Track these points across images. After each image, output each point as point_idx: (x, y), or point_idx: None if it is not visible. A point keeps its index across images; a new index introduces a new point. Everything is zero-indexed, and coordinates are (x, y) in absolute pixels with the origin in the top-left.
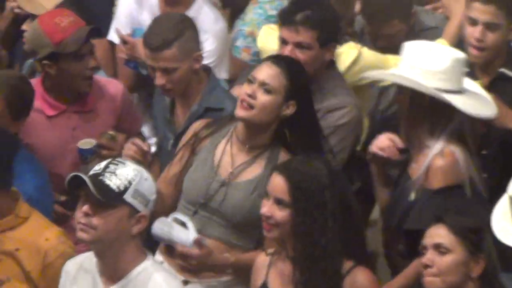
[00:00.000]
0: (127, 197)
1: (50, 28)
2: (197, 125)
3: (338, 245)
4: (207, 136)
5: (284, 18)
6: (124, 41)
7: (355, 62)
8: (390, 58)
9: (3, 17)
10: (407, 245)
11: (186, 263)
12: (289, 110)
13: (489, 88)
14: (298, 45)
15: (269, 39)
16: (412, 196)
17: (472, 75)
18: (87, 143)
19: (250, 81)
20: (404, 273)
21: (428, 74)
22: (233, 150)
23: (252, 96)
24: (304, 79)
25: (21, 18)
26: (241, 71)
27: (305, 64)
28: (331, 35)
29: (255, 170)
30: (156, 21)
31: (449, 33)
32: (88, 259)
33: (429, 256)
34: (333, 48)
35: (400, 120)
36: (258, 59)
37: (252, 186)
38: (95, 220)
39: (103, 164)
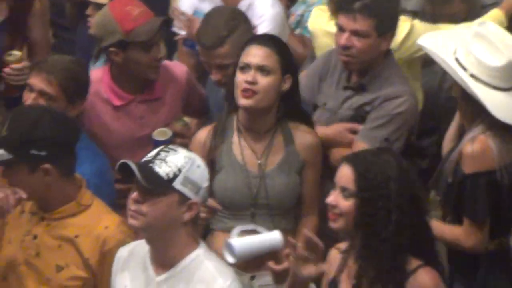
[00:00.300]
0: (176, 184)
1: (122, 16)
2: (200, 136)
3: (402, 240)
4: (217, 142)
5: (342, 5)
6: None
7: (408, 35)
8: (442, 27)
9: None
10: None
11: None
12: (287, 84)
13: None
14: (355, 33)
15: (319, 20)
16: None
17: None
18: (162, 132)
19: (244, 68)
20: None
21: (481, 66)
22: (248, 142)
23: (253, 82)
24: (288, 50)
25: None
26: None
27: (362, 52)
28: (389, 24)
29: (279, 151)
30: (207, 18)
31: (507, 4)
32: (140, 246)
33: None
34: (391, 38)
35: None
36: None
37: (283, 168)
38: (144, 207)
39: (155, 151)
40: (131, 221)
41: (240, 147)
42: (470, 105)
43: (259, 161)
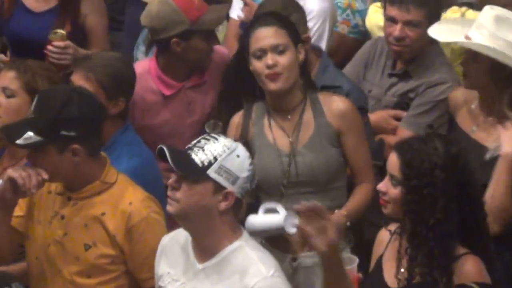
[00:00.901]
0: (211, 172)
1: (186, 5)
2: (234, 120)
3: (450, 227)
4: (247, 125)
5: None
6: (245, 3)
7: None
8: None
9: None
10: None
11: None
12: (302, 54)
13: None
14: (409, 23)
15: (376, 16)
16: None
17: None
18: (213, 126)
19: (260, 56)
20: None
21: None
22: (278, 122)
23: (274, 65)
24: (288, 18)
25: None
26: (340, 44)
27: (415, 42)
28: (438, 11)
29: (309, 126)
30: (261, 7)
31: None
32: (182, 233)
33: None
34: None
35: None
36: (358, 31)
37: (315, 143)
38: (178, 194)
39: (198, 139)
40: (168, 207)
41: (270, 128)
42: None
43: (290, 139)
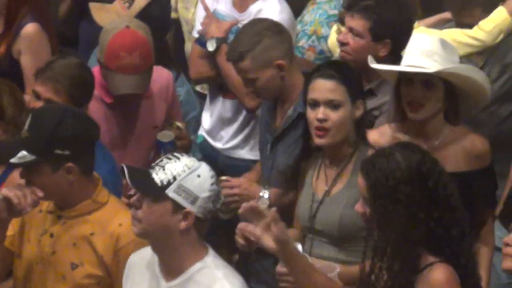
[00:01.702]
0: (169, 192)
1: (111, 52)
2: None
3: (414, 238)
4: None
5: (349, 4)
6: (207, 15)
7: None
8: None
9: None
10: None
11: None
12: (360, 110)
13: None
14: (351, 30)
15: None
16: None
17: None
18: (165, 135)
19: (313, 105)
20: None
21: None
22: (326, 169)
23: (324, 119)
24: (353, 73)
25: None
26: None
27: (354, 51)
28: (386, 31)
29: (343, 180)
30: (238, 33)
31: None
32: (151, 253)
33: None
34: (389, 46)
35: None
36: (324, 57)
37: (342, 197)
38: (140, 213)
39: (162, 157)
40: (132, 227)
41: (317, 174)
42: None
43: (326, 188)
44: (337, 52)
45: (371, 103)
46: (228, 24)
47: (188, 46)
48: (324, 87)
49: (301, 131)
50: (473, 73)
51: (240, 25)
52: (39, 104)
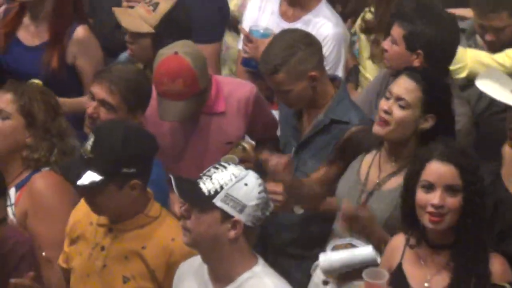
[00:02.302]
0: (217, 201)
1: (157, 77)
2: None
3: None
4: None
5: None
6: (249, 40)
7: None
8: (483, 56)
9: None
10: None
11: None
12: (428, 123)
13: None
14: (391, 40)
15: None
16: None
17: None
18: (229, 159)
19: (387, 97)
20: None
21: None
22: (381, 161)
23: (388, 111)
24: (442, 90)
25: None
26: None
27: (391, 59)
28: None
29: (399, 180)
30: (270, 44)
31: None
32: (199, 261)
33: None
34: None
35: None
36: None
37: (394, 195)
38: (189, 223)
39: (210, 167)
40: (183, 238)
41: (371, 162)
42: None
43: (377, 181)
44: None
45: None
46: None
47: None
48: (403, 85)
49: (332, 136)
50: None
51: None
52: (93, 104)
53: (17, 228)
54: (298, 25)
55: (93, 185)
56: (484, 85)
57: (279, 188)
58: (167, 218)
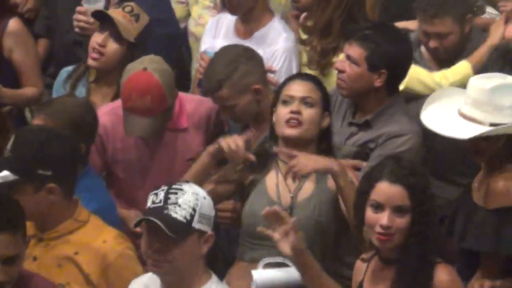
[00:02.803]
0: (195, 224)
1: (125, 92)
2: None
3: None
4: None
5: (350, 33)
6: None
7: None
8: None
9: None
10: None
11: None
12: (326, 121)
13: None
14: (348, 58)
15: None
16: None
17: None
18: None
19: (287, 102)
20: None
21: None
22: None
23: (298, 112)
24: (326, 89)
25: None
26: None
27: (350, 79)
28: (382, 62)
29: (310, 186)
30: (211, 61)
31: (474, 58)
32: (152, 279)
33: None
34: (384, 76)
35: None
36: None
37: (312, 202)
38: (169, 255)
39: (161, 195)
40: (154, 269)
41: (276, 180)
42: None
43: (291, 195)
44: None
45: (367, 135)
46: None
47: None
48: (301, 86)
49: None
50: None
51: None
52: None
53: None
54: (252, 40)
55: (7, 184)
56: (429, 119)
57: (228, 206)
58: (97, 222)
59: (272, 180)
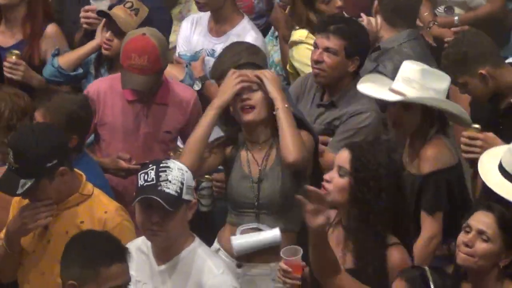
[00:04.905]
0: (184, 196)
1: (124, 53)
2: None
3: (386, 218)
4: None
5: (320, 27)
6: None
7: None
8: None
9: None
10: None
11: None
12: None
13: None
14: (327, 50)
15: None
16: None
17: None
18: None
19: (238, 94)
20: None
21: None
22: (254, 153)
23: (248, 98)
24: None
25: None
26: None
27: (330, 68)
28: (357, 49)
29: (273, 158)
30: (219, 55)
31: None
32: (144, 242)
33: (472, 237)
34: (357, 61)
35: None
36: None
37: (276, 172)
38: (167, 226)
39: (152, 173)
40: (154, 239)
41: (246, 160)
42: (427, 119)
43: (259, 168)
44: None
45: (333, 114)
46: (199, 63)
47: None
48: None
49: None
50: (439, 103)
51: (214, 49)
52: None
53: None
54: (223, 39)
55: (29, 189)
56: (364, 88)
57: (222, 177)
58: (99, 196)
59: (244, 157)
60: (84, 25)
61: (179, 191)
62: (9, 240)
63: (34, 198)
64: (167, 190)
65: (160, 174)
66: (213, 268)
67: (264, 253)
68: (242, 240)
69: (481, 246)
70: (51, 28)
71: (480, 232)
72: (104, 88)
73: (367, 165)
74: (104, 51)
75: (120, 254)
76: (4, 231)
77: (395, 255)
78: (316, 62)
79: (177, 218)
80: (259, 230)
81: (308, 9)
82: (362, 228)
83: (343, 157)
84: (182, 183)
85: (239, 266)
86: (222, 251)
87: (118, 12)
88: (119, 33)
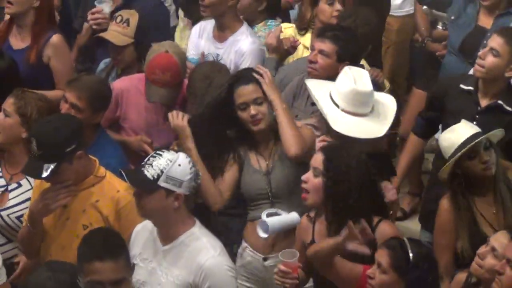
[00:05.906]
0: (161, 182)
1: (149, 68)
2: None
3: (363, 207)
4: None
5: (319, 33)
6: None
7: None
8: None
9: (82, 34)
10: None
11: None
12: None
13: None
14: (321, 52)
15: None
16: None
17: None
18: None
19: (244, 107)
20: None
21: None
22: (261, 151)
23: (256, 114)
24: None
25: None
26: None
27: (322, 68)
28: (348, 55)
29: (277, 153)
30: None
31: None
32: (150, 223)
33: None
34: (347, 65)
35: None
36: None
37: (281, 164)
38: (142, 202)
39: (148, 157)
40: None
41: (255, 155)
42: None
43: (266, 162)
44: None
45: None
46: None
47: None
48: (247, 90)
49: None
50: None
51: (218, 54)
52: (66, 106)
53: None
54: (225, 44)
55: (52, 172)
56: (311, 83)
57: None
58: (111, 177)
59: (253, 156)
60: (94, 26)
61: (155, 176)
62: (33, 220)
63: (56, 180)
64: (145, 172)
65: (150, 158)
66: (210, 249)
67: (285, 246)
68: (271, 221)
69: None
70: (56, 38)
71: None
72: (126, 85)
73: (337, 165)
74: (114, 63)
75: (106, 253)
76: (27, 213)
77: (387, 229)
78: (310, 62)
79: (151, 200)
80: (279, 214)
81: (313, 9)
82: (341, 220)
83: (317, 159)
84: (162, 171)
85: (265, 259)
86: (249, 248)
87: (113, 28)
88: (123, 47)
